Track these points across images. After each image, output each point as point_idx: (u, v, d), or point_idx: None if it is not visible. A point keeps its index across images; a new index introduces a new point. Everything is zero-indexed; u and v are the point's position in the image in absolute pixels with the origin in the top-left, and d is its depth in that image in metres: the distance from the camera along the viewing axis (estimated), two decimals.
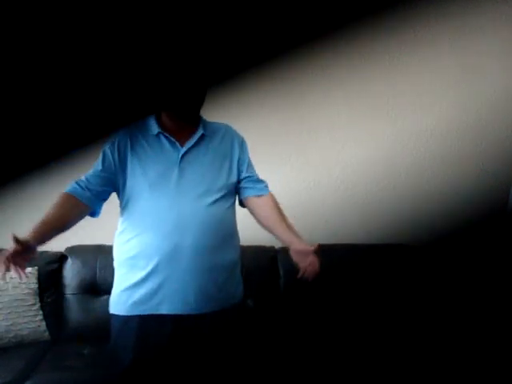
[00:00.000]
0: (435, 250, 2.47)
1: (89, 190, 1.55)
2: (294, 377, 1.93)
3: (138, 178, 1.54)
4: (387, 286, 2.28)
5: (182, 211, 1.51)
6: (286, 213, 2.46)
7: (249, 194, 1.68)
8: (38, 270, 2.21)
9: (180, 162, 1.55)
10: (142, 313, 1.55)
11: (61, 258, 2.29)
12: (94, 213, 1.60)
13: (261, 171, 2.45)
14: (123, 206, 1.60)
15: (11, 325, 2.07)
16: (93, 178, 1.56)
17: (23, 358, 2.00)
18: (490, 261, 2.48)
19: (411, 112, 2.47)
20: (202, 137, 1.60)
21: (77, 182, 1.56)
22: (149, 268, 1.52)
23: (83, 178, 1.57)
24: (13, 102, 2.33)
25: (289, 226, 1.66)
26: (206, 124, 1.64)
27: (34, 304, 2.15)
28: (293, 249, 1.61)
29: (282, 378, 1.93)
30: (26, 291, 2.14)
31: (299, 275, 1.57)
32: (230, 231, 1.63)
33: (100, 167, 1.57)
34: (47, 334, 2.15)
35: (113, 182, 1.58)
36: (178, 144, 1.56)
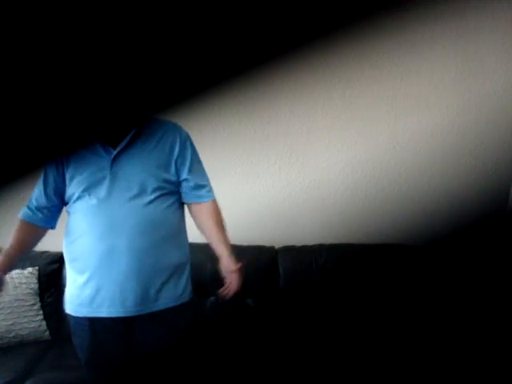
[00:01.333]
0: (435, 250, 2.46)
1: (39, 210, 1.62)
2: (294, 377, 1.93)
3: (74, 183, 1.57)
4: (387, 286, 2.28)
5: (116, 213, 1.52)
6: (287, 213, 2.49)
7: (186, 200, 1.66)
8: (39, 270, 2.22)
9: (112, 164, 1.55)
10: (86, 315, 1.57)
11: (61, 258, 2.29)
12: (52, 227, 1.68)
13: (261, 171, 2.48)
14: (66, 211, 1.63)
15: (12, 324, 2.07)
16: (39, 197, 1.62)
17: (23, 358, 2.01)
18: (489, 261, 2.47)
19: (411, 112, 2.47)
20: (137, 138, 1.58)
21: (27, 206, 1.63)
22: (87, 271, 1.54)
23: (33, 199, 1.63)
24: (13, 102, 2.33)
25: (222, 239, 1.65)
26: (148, 124, 1.62)
27: (34, 304, 2.15)
28: (221, 263, 1.64)
29: (281, 378, 1.93)
30: (27, 291, 2.15)
31: (220, 292, 1.61)
32: (171, 231, 1.60)
33: (42, 185, 1.62)
34: (47, 333, 2.16)
35: (59, 194, 1.62)
36: (110, 147, 1.57)
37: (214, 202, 1.69)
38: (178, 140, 1.62)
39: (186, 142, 1.65)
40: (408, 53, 2.42)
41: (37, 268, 2.21)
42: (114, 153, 1.56)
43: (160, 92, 2.25)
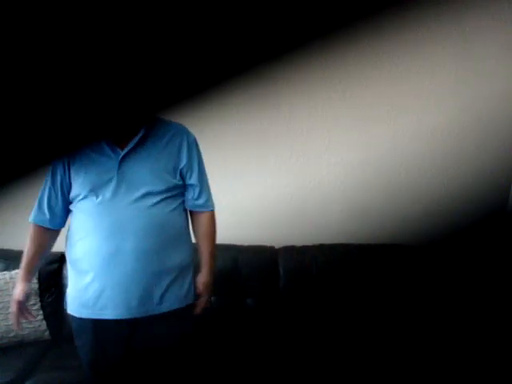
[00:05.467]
0: (435, 250, 2.46)
1: (50, 210, 1.61)
2: (294, 376, 1.93)
3: (80, 183, 1.56)
4: (387, 286, 2.28)
5: (122, 215, 1.51)
6: (287, 212, 2.49)
7: (187, 205, 1.67)
8: (39, 270, 2.21)
9: (119, 165, 1.55)
10: (89, 316, 1.57)
11: (61, 258, 2.29)
12: (63, 227, 1.68)
13: (261, 171, 2.47)
14: (71, 211, 1.62)
15: (11, 324, 2.06)
16: (48, 197, 1.61)
17: (23, 358, 2.00)
18: (489, 261, 2.47)
19: (411, 112, 2.47)
20: (145, 139, 1.58)
21: (37, 208, 1.62)
22: (91, 272, 1.53)
23: (41, 200, 1.62)
24: (13, 102, 2.33)
25: (209, 252, 1.70)
26: (155, 125, 1.62)
27: (34, 304, 2.15)
28: (199, 274, 1.70)
29: (281, 378, 1.93)
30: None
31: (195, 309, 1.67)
32: (175, 234, 1.60)
33: (50, 184, 1.61)
34: (47, 333, 2.15)
35: (67, 193, 1.61)
36: (118, 148, 1.56)
37: (212, 213, 1.71)
38: (185, 144, 1.63)
39: (193, 146, 1.66)
40: (408, 53, 2.42)
41: None
42: (122, 154, 1.55)
43: (162, 92, 2.25)
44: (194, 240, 1.72)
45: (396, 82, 2.44)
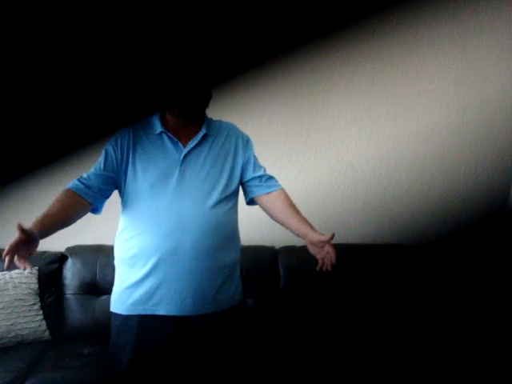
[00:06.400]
0: (435, 250, 2.47)
1: (90, 187, 1.54)
2: (294, 377, 1.93)
3: (139, 177, 1.54)
4: (387, 286, 2.28)
5: (183, 212, 1.50)
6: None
7: (259, 193, 1.67)
8: (39, 270, 2.21)
9: (182, 162, 1.54)
10: (140, 313, 1.54)
11: (61, 258, 2.29)
12: (95, 209, 1.59)
13: None
14: (124, 205, 1.59)
15: (11, 325, 2.07)
16: (94, 176, 1.55)
17: (23, 358, 2.00)
18: (489, 261, 2.47)
19: (411, 112, 2.47)
20: (205, 137, 1.58)
21: (79, 179, 1.55)
22: (147, 268, 1.51)
23: (85, 175, 1.56)
24: (13, 102, 2.33)
25: (302, 219, 1.63)
26: (210, 123, 1.63)
27: (34, 304, 2.15)
28: (308, 241, 1.58)
29: (282, 378, 1.93)
30: (27, 291, 2.15)
31: (318, 267, 1.56)
32: (230, 233, 1.62)
33: (102, 166, 1.56)
34: (47, 333, 2.15)
35: (114, 181, 1.58)
36: (180, 144, 1.55)
37: (284, 190, 1.70)
38: (240, 141, 1.65)
39: (248, 143, 1.68)
40: (408, 53, 2.42)
41: (37, 268, 2.21)
42: (186, 151, 1.55)
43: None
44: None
45: (396, 82, 2.44)
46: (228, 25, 2.33)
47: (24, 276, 2.17)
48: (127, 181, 1.56)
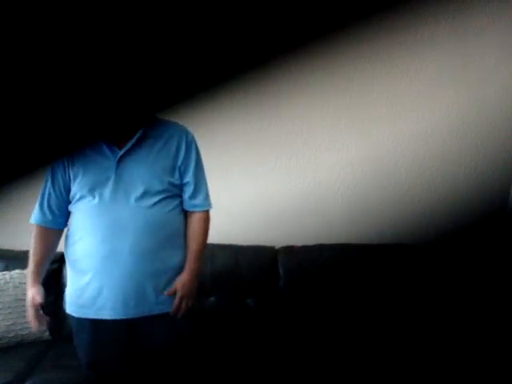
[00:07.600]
0: (435, 250, 2.46)
1: (51, 211, 1.60)
2: (294, 377, 1.93)
3: (79, 183, 1.56)
4: (387, 286, 2.28)
5: (119, 215, 1.51)
6: (287, 213, 2.49)
7: (184, 206, 1.65)
8: None
9: (117, 165, 1.55)
10: (87, 316, 1.57)
11: (61, 258, 2.28)
12: (64, 227, 1.67)
13: (261, 171, 2.47)
14: (70, 211, 1.62)
15: (12, 324, 2.07)
16: (48, 198, 1.61)
17: (23, 358, 2.00)
18: (489, 261, 2.47)
19: (411, 112, 2.47)
20: (143, 139, 1.58)
21: (38, 209, 1.61)
22: (89, 272, 1.53)
23: (42, 200, 1.61)
24: (13, 103, 2.33)
25: (190, 251, 1.63)
26: (154, 125, 1.61)
27: None
28: (181, 274, 1.61)
29: (281, 378, 1.93)
30: None
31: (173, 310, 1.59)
32: (173, 234, 1.60)
33: (50, 184, 1.61)
34: (47, 333, 2.15)
35: (67, 192, 1.61)
36: (116, 148, 1.56)
37: (206, 214, 1.67)
38: (183, 143, 1.62)
39: (192, 145, 1.64)
40: (408, 53, 2.42)
41: None
42: (120, 153, 1.56)
43: (162, 91, 2.25)
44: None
45: (396, 82, 2.44)
46: (228, 25, 2.33)
47: (24, 276, 2.16)
48: (71, 188, 1.59)
